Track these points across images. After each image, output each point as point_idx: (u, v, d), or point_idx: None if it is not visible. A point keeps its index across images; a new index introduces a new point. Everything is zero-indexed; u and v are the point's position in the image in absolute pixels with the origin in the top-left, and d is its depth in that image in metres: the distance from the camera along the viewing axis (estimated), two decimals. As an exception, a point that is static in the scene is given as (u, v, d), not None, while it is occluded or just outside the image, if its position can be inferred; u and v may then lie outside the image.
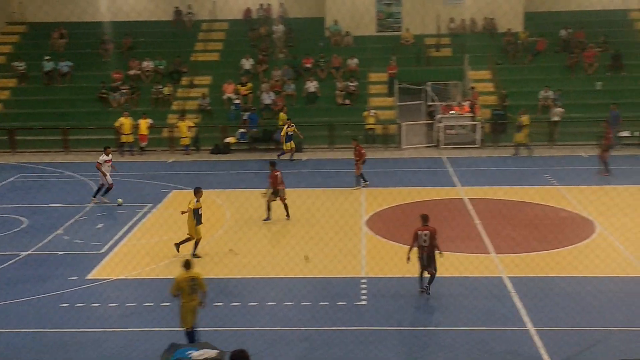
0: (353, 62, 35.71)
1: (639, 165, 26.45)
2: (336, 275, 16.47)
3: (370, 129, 31.74)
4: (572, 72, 34.80)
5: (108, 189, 23.21)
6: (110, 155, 23.47)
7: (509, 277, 16.04)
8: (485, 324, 13.76)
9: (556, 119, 31.22)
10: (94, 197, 23.21)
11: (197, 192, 17.80)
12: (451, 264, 16.66)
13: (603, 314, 14.13)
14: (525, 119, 29.54)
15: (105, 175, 23.06)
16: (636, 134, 30.67)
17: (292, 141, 29.42)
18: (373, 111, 32.21)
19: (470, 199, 22.63)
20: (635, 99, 32.70)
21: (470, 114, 31.57)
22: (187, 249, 17.81)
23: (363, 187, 24.36)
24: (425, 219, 15.20)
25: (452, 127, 31.64)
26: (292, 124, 29.41)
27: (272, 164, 21.28)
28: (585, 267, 16.75)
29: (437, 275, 15.13)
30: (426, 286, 15.05)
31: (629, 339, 13.08)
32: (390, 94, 34.34)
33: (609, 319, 13.89)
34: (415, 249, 14.97)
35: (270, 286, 15.98)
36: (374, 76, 35.39)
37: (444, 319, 14.08)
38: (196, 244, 17.83)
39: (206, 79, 35.74)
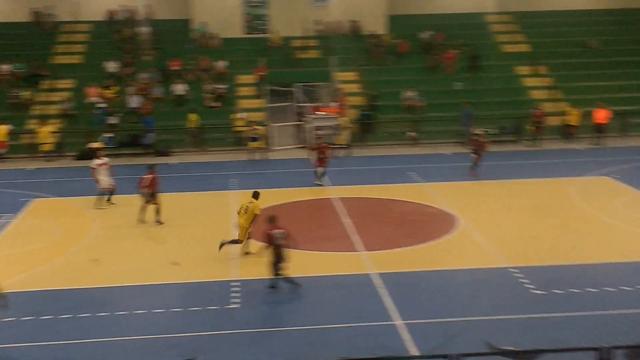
0: (221, 64, 35.51)
1: (496, 162, 27.70)
2: (207, 279, 16.29)
3: (240, 131, 31.68)
4: (433, 73, 36.08)
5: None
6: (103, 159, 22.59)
7: (378, 274, 16.40)
8: (355, 320, 13.99)
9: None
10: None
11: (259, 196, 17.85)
12: (321, 263, 16.88)
13: (467, 304, 14.70)
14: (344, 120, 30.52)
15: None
16: (495, 131, 32.13)
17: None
18: (243, 114, 32.15)
19: (340, 199, 22.99)
20: (492, 98, 34.31)
21: (339, 115, 32.08)
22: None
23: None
24: (274, 219, 15.35)
25: (321, 127, 32.01)
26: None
27: (151, 166, 20.87)
28: (450, 261, 17.42)
29: (308, 275, 15.26)
30: (277, 283, 15.25)
31: (490, 326, 13.67)
32: (259, 95, 34.39)
33: (472, 308, 14.47)
34: (271, 249, 15.09)
35: (140, 294, 15.60)
36: (242, 78, 35.34)
37: (314, 318, 14.20)
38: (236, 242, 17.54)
39: (68, 83, 34.49)
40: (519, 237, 19.05)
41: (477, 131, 26.71)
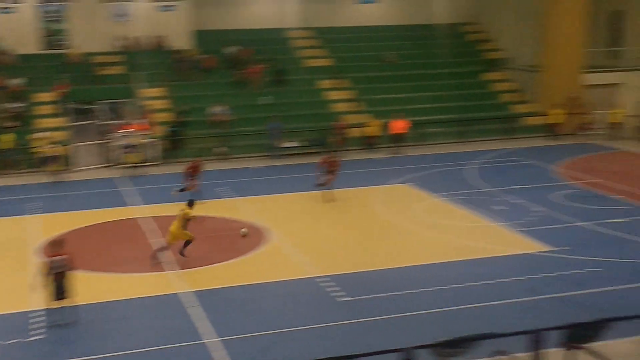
0: (17, 81, 33.58)
1: (304, 174, 28.38)
2: (4, 312, 15.32)
3: (40, 152, 30.09)
4: (240, 88, 36.36)
5: None
6: None
7: (191, 292, 16.23)
8: (167, 342, 13.75)
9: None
10: None
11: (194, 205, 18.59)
12: (128, 286, 16.43)
13: (279, 316, 14.91)
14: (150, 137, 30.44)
15: None
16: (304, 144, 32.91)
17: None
18: (42, 133, 30.59)
19: (149, 218, 22.51)
20: (298, 112, 35.13)
21: (145, 132, 31.42)
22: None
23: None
24: (57, 245, 14.68)
25: (128, 145, 31.19)
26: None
27: None
28: (262, 274, 17.57)
29: (115, 299, 14.80)
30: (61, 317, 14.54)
31: (301, 336, 13.94)
32: (60, 114, 32.89)
33: (285, 320, 14.69)
34: (48, 278, 14.29)
35: None
36: (41, 96, 33.61)
37: (122, 343, 13.78)
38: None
39: None
40: (327, 246, 19.62)
41: (330, 151, 26.56)
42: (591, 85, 36.41)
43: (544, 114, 35.65)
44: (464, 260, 18.22)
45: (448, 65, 39.69)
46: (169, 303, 15.69)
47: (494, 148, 33.05)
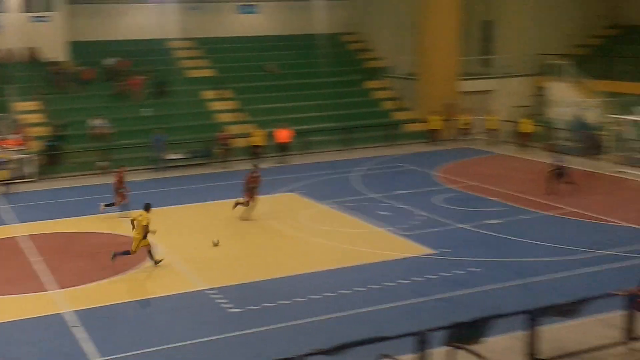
0: None
1: (190, 185, 28.05)
2: None
3: None
4: (121, 100, 35.55)
5: None
6: None
7: (73, 311, 15.69)
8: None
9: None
10: None
11: (150, 208, 18.73)
12: (8, 308, 15.73)
13: (166, 332, 14.65)
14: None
15: None
16: (188, 155, 32.48)
17: None
18: None
19: (28, 236, 21.62)
20: (181, 123, 34.68)
21: (19, 147, 30.14)
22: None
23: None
24: None
25: (0, 162, 29.78)
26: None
27: None
28: (148, 289, 17.25)
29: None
30: None
31: (190, 350, 13.76)
32: None
33: (172, 335, 14.44)
34: None
35: None
36: None
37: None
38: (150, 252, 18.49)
39: None
40: (215, 258, 19.45)
41: (252, 166, 25.00)
42: (467, 92, 37.86)
43: (424, 121, 36.76)
44: (351, 266, 18.48)
45: (330, 75, 40.23)
46: (53, 324, 15.11)
47: (377, 155, 33.75)
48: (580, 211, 22.80)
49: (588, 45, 41.03)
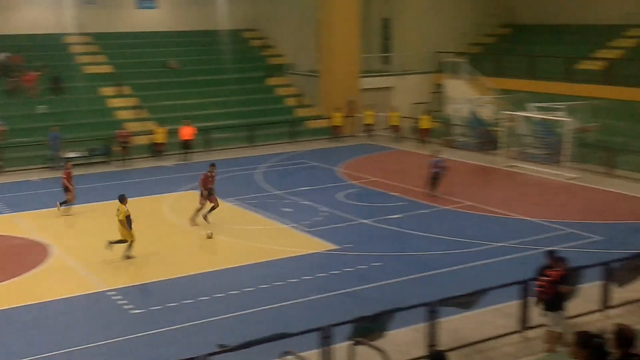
0: None
1: (88, 184, 27.30)
2: None
3: None
4: (13, 97, 34.19)
5: None
6: None
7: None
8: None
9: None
10: None
11: (125, 200, 18.65)
12: None
13: (64, 335, 14.26)
14: None
15: None
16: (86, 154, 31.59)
17: None
18: None
19: None
20: (79, 120, 33.73)
21: None
22: None
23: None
24: None
25: None
26: None
27: None
28: (43, 292, 16.66)
29: None
30: None
31: (90, 354, 13.43)
32: None
33: (70, 339, 14.06)
34: None
35: None
36: None
37: None
38: (130, 245, 18.58)
39: None
40: (115, 258, 18.99)
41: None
42: (368, 89, 38.43)
43: (326, 118, 37.08)
44: (255, 263, 18.46)
45: (232, 71, 39.94)
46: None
47: (280, 152, 33.79)
48: (477, 205, 23.52)
49: (482, 44, 42.40)
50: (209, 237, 20.51)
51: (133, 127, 33.62)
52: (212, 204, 21.96)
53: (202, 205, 21.90)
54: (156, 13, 41.87)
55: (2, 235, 21.16)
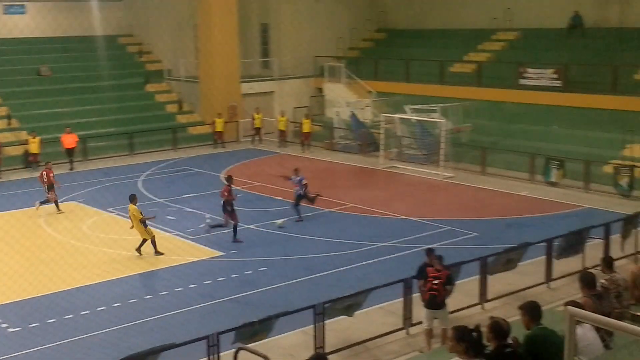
0: None
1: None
2: None
3: None
4: None
5: None
6: None
7: None
8: None
9: None
10: None
11: (135, 199, 19.31)
12: None
13: None
14: None
15: None
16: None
17: None
18: None
19: None
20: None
21: None
22: None
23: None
24: None
25: None
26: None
27: None
28: None
29: None
30: None
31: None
32: None
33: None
34: None
35: None
36: None
37: None
38: (154, 242, 19.06)
39: None
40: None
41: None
42: (249, 94, 38.41)
43: (207, 123, 36.76)
44: (138, 273, 18.13)
45: (109, 78, 38.82)
46: None
47: (162, 159, 33.19)
48: (360, 206, 23.98)
49: (359, 48, 43.25)
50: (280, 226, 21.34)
51: (3, 137, 32.14)
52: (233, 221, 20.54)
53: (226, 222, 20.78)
54: (26, 18, 40.18)
55: None
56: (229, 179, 21.34)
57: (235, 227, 20.48)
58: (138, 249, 19.28)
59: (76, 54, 40.07)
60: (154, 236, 19.34)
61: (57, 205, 24.18)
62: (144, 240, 19.28)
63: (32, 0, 40.37)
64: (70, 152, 31.57)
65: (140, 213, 19.19)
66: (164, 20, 41.24)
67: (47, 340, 14.16)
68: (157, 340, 12.60)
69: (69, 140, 31.64)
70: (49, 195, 24.06)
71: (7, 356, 13.54)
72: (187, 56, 39.76)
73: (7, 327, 14.81)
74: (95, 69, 39.19)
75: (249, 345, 11.13)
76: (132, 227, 19.50)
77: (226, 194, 20.50)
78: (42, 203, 23.94)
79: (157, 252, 19.24)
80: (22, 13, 40.18)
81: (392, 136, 31.77)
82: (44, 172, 24.31)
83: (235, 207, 20.67)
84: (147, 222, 19.39)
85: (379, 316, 14.72)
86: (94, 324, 14.92)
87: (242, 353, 9.45)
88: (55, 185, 24.32)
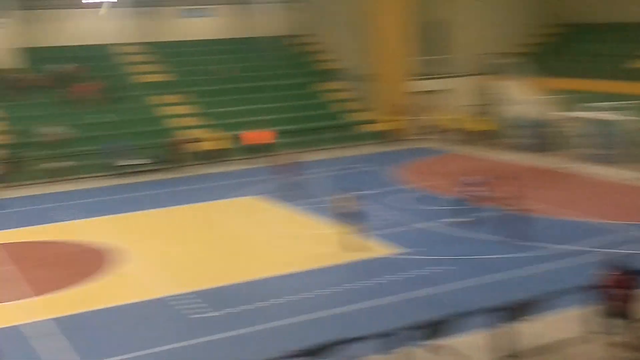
0: None
1: (153, 191, 27.96)
2: None
3: None
4: (72, 106, 34.83)
5: None
6: None
7: (54, 319, 15.67)
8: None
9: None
10: None
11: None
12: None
13: (143, 337, 14.78)
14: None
15: None
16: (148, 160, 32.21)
17: None
18: None
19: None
20: (134, 129, 34.13)
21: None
22: None
23: None
24: None
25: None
26: None
27: None
28: (121, 295, 17.23)
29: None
30: None
31: (170, 355, 13.90)
32: None
33: (150, 340, 14.55)
34: None
35: None
36: None
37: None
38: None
39: None
40: (188, 262, 19.53)
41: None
42: (421, 91, 38.43)
43: (380, 121, 37.24)
44: (323, 267, 18.66)
45: (284, 77, 40.22)
46: (35, 329, 15.07)
47: (337, 156, 33.92)
48: (542, 206, 22.66)
49: (539, 44, 42.03)
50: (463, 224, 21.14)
51: (190, 134, 34.15)
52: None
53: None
54: (208, 21, 42.31)
55: (77, 240, 21.88)
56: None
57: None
58: (348, 242, 19.56)
59: (251, 54, 41.57)
60: (348, 232, 19.55)
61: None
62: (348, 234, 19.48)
63: (216, 4, 42.50)
64: (254, 148, 32.95)
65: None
66: (339, 20, 41.64)
67: (242, 325, 15.02)
68: (341, 331, 12.98)
69: (263, 136, 32.96)
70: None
71: (207, 338, 14.49)
72: (360, 55, 40.29)
73: (209, 312, 15.84)
74: (270, 69, 40.54)
75: (429, 342, 11.17)
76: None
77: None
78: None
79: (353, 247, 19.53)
80: (208, 16, 42.39)
81: (569, 135, 30.74)
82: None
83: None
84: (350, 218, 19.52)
85: (565, 322, 14.20)
86: (282, 314, 15.61)
87: (422, 350, 9.48)
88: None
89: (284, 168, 27.09)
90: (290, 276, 18.16)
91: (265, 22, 42.21)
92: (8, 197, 28.14)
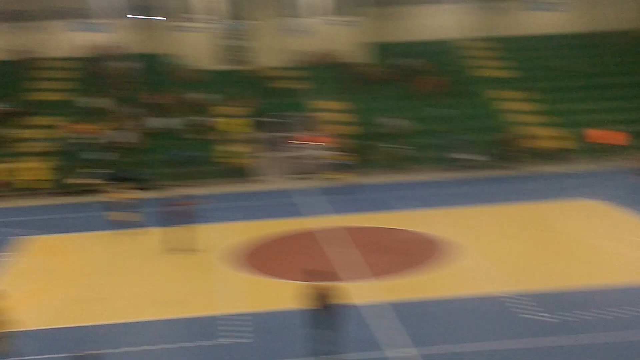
0: (203, 96, 35.21)
1: (488, 186, 27.74)
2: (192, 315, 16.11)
3: (228, 162, 31.49)
4: (414, 100, 35.87)
5: None
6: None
7: (389, 303, 16.24)
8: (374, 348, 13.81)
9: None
10: None
11: None
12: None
13: (483, 331, 14.66)
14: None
15: None
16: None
17: None
18: (231, 145, 31.98)
19: (345, 228, 22.80)
20: (473, 123, 34.06)
21: (326, 144, 31.84)
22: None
23: None
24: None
25: (316, 157, 31.57)
26: None
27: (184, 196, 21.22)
28: (463, 287, 17.35)
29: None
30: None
31: (499, 354, 13.57)
32: (248, 126, 34.15)
33: (488, 335, 14.42)
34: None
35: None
36: (229, 110, 35.07)
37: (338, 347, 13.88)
38: None
39: (49, 120, 33.87)
40: (522, 261, 19.01)
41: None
42: None
43: None
44: None
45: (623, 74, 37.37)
46: (376, 311, 15.73)
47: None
48: None
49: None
50: None
51: (532, 131, 33.23)
52: None
53: None
54: (555, 15, 40.67)
55: (417, 230, 22.42)
56: None
57: None
58: None
59: (595, 50, 39.28)
60: None
61: None
62: None
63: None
64: (612, 148, 31.35)
65: None
66: None
67: (587, 332, 14.16)
68: None
69: (610, 136, 31.38)
70: None
71: (538, 345, 13.87)
72: None
73: (545, 316, 15.19)
74: (616, 66, 38.16)
75: None
76: None
77: None
78: None
79: None
80: (551, 10, 40.80)
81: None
82: None
83: None
84: None
85: None
86: (629, 325, 14.46)
87: None
88: None
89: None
90: (635, 289, 16.70)
91: (615, 16, 39.53)
92: (356, 184, 29.56)
